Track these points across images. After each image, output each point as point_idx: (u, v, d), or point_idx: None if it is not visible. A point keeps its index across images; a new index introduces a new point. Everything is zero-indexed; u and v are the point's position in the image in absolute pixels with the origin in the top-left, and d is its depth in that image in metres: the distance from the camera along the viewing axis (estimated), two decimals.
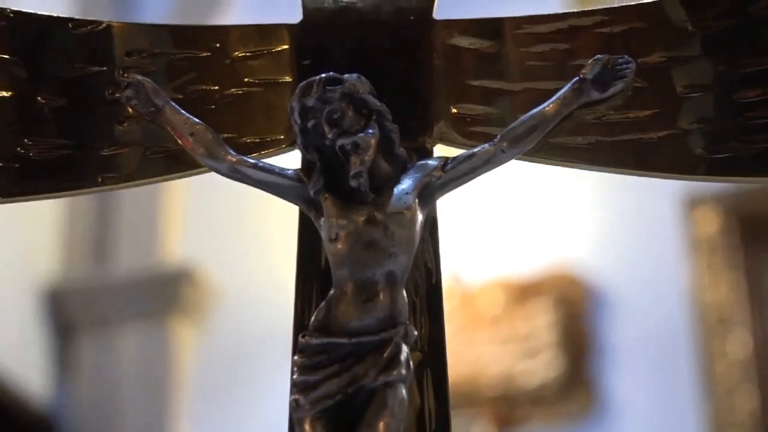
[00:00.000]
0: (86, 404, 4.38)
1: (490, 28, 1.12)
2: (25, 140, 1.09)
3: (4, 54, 1.11)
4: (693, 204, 4.17)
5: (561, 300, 4.19)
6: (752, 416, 3.96)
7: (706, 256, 4.16)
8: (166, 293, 4.45)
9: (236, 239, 4.54)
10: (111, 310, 4.49)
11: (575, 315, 4.18)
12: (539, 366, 4.14)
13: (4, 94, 1.11)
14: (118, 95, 1.11)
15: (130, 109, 1.10)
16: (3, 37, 1.11)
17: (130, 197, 4.49)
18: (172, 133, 1.09)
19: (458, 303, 4.15)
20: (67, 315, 4.46)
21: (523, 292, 4.25)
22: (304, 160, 1.07)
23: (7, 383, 4.09)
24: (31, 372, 4.26)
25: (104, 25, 1.13)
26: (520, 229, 4.30)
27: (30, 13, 1.13)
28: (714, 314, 4.08)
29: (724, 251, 4.16)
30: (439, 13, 1.14)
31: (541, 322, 4.19)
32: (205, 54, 1.13)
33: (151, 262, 4.56)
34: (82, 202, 4.50)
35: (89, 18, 1.15)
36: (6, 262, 4.22)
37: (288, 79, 1.12)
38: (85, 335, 4.48)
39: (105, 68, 1.12)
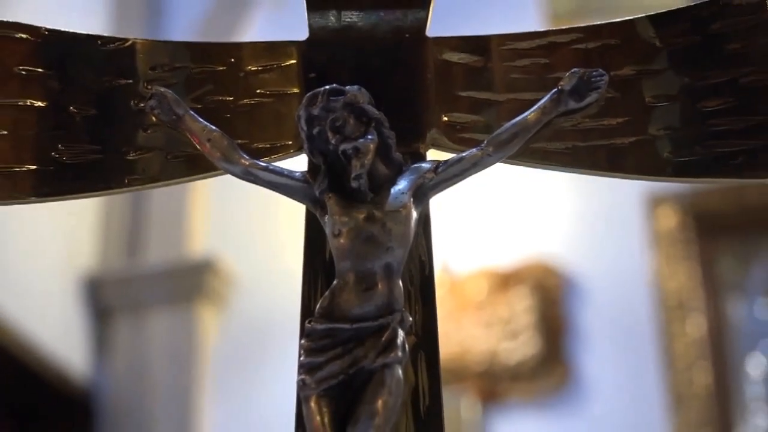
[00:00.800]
0: (121, 379, 4.37)
1: (478, 44, 1.11)
2: (59, 146, 1.07)
3: (40, 68, 1.09)
4: (655, 203, 4.17)
5: (538, 287, 4.18)
6: (707, 389, 3.96)
7: (666, 249, 4.15)
8: (191, 282, 4.44)
9: (252, 234, 4.53)
10: (143, 296, 4.47)
11: (551, 300, 4.17)
12: (519, 346, 4.12)
13: (40, 104, 1.08)
14: (142, 105, 1.09)
15: (153, 118, 1.08)
16: (38, 53, 1.09)
17: (159, 197, 4.48)
18: (192, 140, 1.07)
19: (447, 290, 4.13)
20: (105, 301, 4.44)
21: (505, 281, 4.23)
22: (310, 164, 1.05)
23: (52, 361, 4.07)
24: (72, 351, 4.24)
25: (130, 42, 1.11)
26: (503, 225, 4.29)
27: (63, 31, 1.11)
28: (673, 299, 4.08)
29: (681, 244, 4.16)
30: (431, 31, 1.12)
31: (520, 307, 4.18)
32: (221, 68, 1.11)
33: (178, 254, 4.55)
34: (117, 201, 4.49)
35: (120, 35, 1.13)
36: (51, 254, 4.21)
37: (296, 90, 1.10)
38: (120, 319, 4.46)
39: (131, 81, 1.10)
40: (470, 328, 4.16)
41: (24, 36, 1.09)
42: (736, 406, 4.00)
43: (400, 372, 0.97)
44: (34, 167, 1.06)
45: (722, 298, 4.16)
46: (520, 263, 4.23)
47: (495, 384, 4.09)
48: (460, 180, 1.05)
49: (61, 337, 4.18)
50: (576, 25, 1.10)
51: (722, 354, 4.06)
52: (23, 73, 1.08)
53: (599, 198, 4.11)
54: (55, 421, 4.25)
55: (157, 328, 4.43)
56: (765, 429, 3.94)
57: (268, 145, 1.09)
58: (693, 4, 1.08)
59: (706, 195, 4.14)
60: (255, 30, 4.57)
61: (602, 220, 4.17)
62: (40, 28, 1.10)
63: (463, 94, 1.09)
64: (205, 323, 4.42)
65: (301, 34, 1.13)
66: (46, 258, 4.18)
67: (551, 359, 4.08)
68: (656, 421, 3.91)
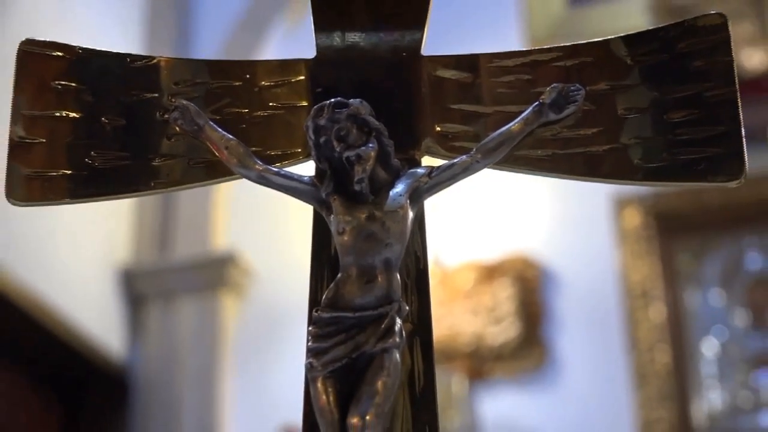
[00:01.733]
0: (153, 359, 4.35)
1: (468, 62, 1.09)
2: (91, 153, 1.05)
3: (74, 83, 1.07)
4: (621, 204, 4.15)
5: (519, 278, 4.15)
6: (666, 368, 3.94)
7: (631, 245, 4.14)
8: (215, 273, 4.42)
9: (268, 232, 4.50)
10: (172, 285, 4.45)
11: (530, 290, 4.14)
12: (502, 330, 4.10)
13: (75, 115, 1.06)
14: (167, 116, 1.07)
15: (176, 128, 1.06)
16: (73, 70, 1.07)
17: (186, 198, 4.46)
18: (211, 147, 1.05)
19: (439, 281, 4.11)
20: (138, 289, 4.42)
21: (490, 272, 4.21)
22: (317, 169, 1.03)
23: (92, 343, 4.05)
24: (110, 334, 4.22)
25: (155, 60, 1.09)
26: (488, 223, 4.27)
27: (96, 50, 1.09)
28: (637, 289, 4.06)
29: (644, 241, 4.14)
30: (426, 50, 1.10)
31: (503, 296, 4.15)
32: (237, 83, 1.09)
33: (203, 248, 4.52)
34: (150, 201, 4.47)
35: (149, 54, 1.11)
36: (91, 248, 4.19)
37: (304, 103, 1.08)
38: (152, 306, 4.44)
39: (156, 95, 1.08)
40: (459, 314, 4.14)
41: (60, 54, 1.07)
42: (692, 383, 3.99)
43: (397, 356, 0.95)
44: (69, 172, 1.05)
45: (680, 289, 4.14)
46: (503, 257, 4.21)
47: (481, 363, 4.06)
48: (452, 183, 1.03)
49: (100, 321, 4.16)
50: (555, 45, 1.08)
51: (680, 337, 4.04)
52: (59, 87, 1.07)
53: (573, 200, 4.09)
54: (94, 396, 4.24)
55: (185, 314, 4.41)
56: (718, 403, 3.92)
57: (280, 152, 1.07)
58: (661, 25, 1.06)
59: (666, 198, 4.13)
60: (273, 48, 4.53)
61: (575, 219, 4.15)
62: (75, 47, 1.08)
63: (455, 106, 1.07)
64: (226, 310, 4.40)
65: (310, 52, 1.11)
66: (87, 252, 4.16)
67: (530, 342, 4.06)
68: (622, 395, 3.89)
